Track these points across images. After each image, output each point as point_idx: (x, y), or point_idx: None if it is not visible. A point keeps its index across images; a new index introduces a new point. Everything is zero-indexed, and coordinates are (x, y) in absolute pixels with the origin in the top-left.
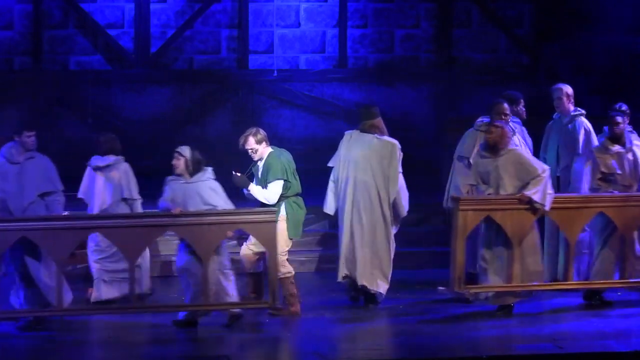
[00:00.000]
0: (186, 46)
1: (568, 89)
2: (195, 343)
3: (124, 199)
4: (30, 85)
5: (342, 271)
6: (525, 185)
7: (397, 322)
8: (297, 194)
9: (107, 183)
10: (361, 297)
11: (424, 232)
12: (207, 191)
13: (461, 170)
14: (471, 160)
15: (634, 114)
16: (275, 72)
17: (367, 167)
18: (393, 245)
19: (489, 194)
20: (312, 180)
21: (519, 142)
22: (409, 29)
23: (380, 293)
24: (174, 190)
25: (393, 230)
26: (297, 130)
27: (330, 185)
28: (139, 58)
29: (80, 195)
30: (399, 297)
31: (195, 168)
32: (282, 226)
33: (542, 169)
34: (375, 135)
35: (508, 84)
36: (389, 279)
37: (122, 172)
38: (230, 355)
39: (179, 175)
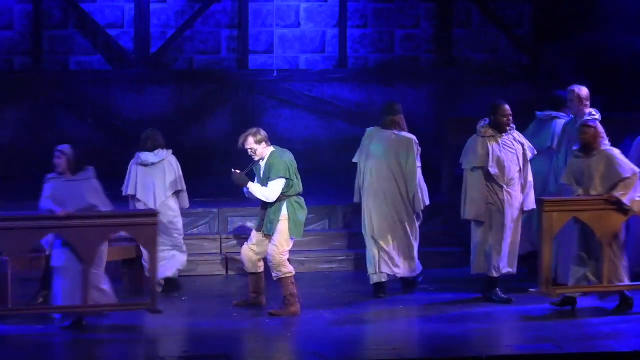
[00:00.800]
0: (186, 46)
1: (581, 91)
2: (195, 342)
3: (176, 192)
4: (30, 85)
5: (370, 269)
6: (615, 186)
7: (397, 322)
8: (298, 194)
9: (161, 178)
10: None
11: (424, 232)
12: (89, 190)
13: (477, 181)
14: (489, 168)
15: (634, 114)
16: (275, 72)
17: (386, 163)
18: (417, 238)
19: (577, 195)
20: (312, 180)
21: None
22: (409, 29)
23: (409, 278)
24: (54, 189)
25: (416, 223)
26: (297, 130)
27: (358, 179)
28: (139, 58)
29: (131, 192)
30: (398, 297)
31: (77, 167)
32: (283, 226)
33: (633, 171)
34: (394, 131)
35: (508, 84)
36: (416, 266)
37: (175, 165)
38: (230, 355)
39: (61, 173)
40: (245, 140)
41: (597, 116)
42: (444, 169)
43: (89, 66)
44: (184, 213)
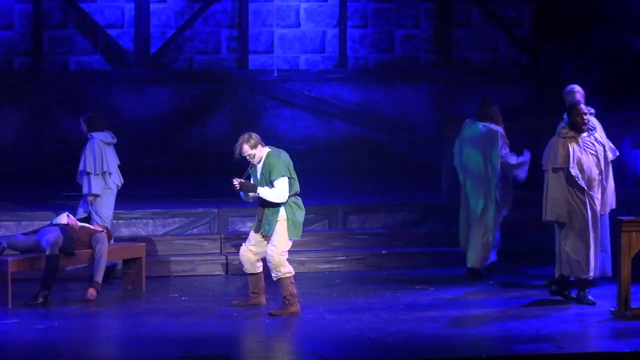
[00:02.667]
0: (186, 46)
1: (581, 90)
2: (195, 342)
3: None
4: (30, 85)
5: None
6: None
7: (397, 322)
8: (296, 194)
9: (116, 156)
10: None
11: (424, 232)
12: None
13: (558, 181)
14: (570, 169)
15: (634, 113)
16: (275, 72)
17: (474, 155)
18: (495, 228)
19: None
20: (312, 180)
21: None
22: (409, 29)
23: (485, 267)
24: None
25: (503, 212)
26: (297, 130)
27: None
28: (139, 58)
29: (107, 169)
30: (398, 297)
31: None
32: (282, 227)
33: None
34: (485, 123)
35: (508, 84)
36: (491, 255)
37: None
38: (230, 355)
39: None
40: (241, 148)
41: (592, 110)
42: (444, 169)
43: (89, 66)
44: (184, 213)
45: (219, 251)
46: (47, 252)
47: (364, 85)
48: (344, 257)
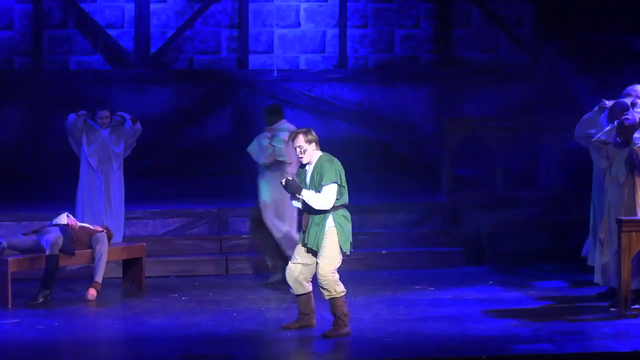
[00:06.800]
0: (186, 46)
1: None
2: (195, 343)
3: None
4: (30, 85)
5: None
6: None
7: (397, 322)
8: (344, 205)
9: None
10: None
11: (424, 232)
12: None
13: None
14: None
15: None
16: (275, 72)
17: None
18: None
19: None
20: None
21: None
22: (409, 29)
23: None
24: None
25: None
26: None
27: None
28: (139, 58)
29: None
30: (398, 297)
31: None
32: (331, 240)
33: None
34: None
35: (508, 84)
36: None
37: None
38: (231, 356)
39: None
40: (296, 137)
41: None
42: (444, 169)
43: (89, 66)
44: (184, 213)
45: (219, 251)
46: (47, 252)
47: (364, 85)
48: (344, 257)
